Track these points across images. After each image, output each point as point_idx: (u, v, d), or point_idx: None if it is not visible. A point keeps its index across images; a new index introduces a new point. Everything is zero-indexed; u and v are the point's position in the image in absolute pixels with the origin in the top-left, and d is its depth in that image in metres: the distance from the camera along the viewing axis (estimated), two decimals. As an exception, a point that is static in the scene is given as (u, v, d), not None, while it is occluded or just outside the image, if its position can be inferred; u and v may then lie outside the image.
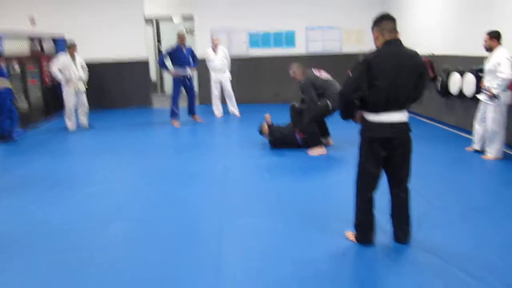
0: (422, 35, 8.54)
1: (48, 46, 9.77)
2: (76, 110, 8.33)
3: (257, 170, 5.54)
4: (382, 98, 3.04)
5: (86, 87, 8.33)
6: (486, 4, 6.61)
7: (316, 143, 6.16)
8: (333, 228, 3.65)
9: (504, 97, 5.32)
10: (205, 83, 9.99)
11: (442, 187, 4.68)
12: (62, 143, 7.43)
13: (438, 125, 7.92)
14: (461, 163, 5.59)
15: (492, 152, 5.53)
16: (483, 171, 5.31)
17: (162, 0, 12.34)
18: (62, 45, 9.49)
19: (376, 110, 3.10)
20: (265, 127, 6.57)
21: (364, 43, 10.30)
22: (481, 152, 5.72)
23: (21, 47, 8.62)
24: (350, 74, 3.12)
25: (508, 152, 5.77)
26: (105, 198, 4.66)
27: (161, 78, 13.20)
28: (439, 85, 7.54)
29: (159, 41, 13.05)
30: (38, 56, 9.24)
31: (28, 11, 10.17)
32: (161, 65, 8.48)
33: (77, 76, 8.08)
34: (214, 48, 9.23)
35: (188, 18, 11.62)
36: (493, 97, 5.32)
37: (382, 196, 3.36)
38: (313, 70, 6.36)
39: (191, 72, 8.59)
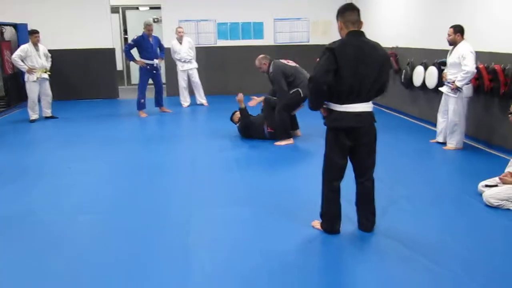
0: (387, 27, 8.68)
1: (9, 33, 9.42)
2: (39, 101, 8.10)
3: (225, 161, 5.54)
4: (346, 87, 3.09)
5: (49, 72, 8.05)
6: (449, -1, 6.78)
7: (285, 136, 6.19)
8: (300, 218, 3.70)
9: (466, 90, 5.48)
10: (173, 75, 9.87)
11: (406, 177, 4.81)
12: (25, 134, 7.21)
13: (402, 116, 8.11)
14: (424, 153, 5.76)
15: (453, 142, 5.71)
16: (445, 161, 5.49)
17: (128, -13, 12.09)
18: (24, 32, 9.15)
19: (341, 100, 3.15)
20: (237, 115, 6.53)
21: (330, 34, 10.34)
22: (444, 143, 5.89)
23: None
24: (319, 60, 3.14)
25: (468, 142, 5.98)
26: (72, 190, 4.57)
27: (127, 68, 12.96)
28: (403, 77, 7.71)
29: (125, 30, 12.79)
30: (-2, 43, 8.91)
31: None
32: (127, 55, 8.34)
33: (40, 64, 7.84)
34: (179, 39, 9.12)
35: (155, 7, 11.42)
36: (456, 89, 5.47)
37: (348, 186, 3.43)
38: (280, 60, 6.37)
39: (159, 63, 8.48)
